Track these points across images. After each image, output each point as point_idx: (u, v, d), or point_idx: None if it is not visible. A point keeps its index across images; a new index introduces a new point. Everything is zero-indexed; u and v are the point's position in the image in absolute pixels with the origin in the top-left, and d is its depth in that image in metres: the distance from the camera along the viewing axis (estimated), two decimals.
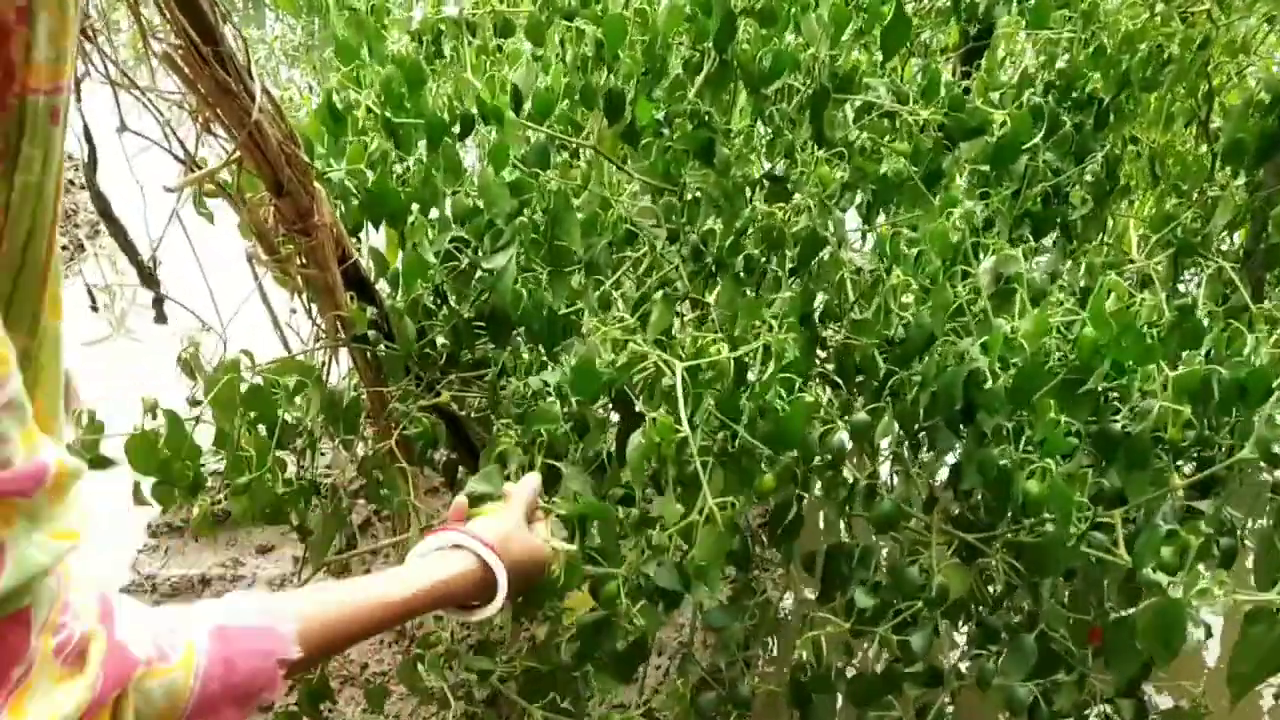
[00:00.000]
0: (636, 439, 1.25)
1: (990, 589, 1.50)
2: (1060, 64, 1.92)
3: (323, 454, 2.20)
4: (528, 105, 1.59)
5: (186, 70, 1.20)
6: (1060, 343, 1.31)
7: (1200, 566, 1.11)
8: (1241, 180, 1.84)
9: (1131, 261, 1.68)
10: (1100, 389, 1.31)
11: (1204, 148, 2.14)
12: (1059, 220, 1.83)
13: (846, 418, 1.40)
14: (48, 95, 0.54)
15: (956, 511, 1.48)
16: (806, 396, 1.29)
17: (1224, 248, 2.11)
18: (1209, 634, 1.41)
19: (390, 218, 1.53)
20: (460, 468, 1.98)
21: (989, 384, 1.25)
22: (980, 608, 1.47)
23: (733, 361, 1.31)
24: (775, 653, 2.15)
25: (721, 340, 1.31)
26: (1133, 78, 1.81)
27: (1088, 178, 1.81)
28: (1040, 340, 1.25)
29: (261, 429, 1.46)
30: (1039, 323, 1.24)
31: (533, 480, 1.20)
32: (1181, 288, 1.92)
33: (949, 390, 1.31)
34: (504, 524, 1.08)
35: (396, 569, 1.00)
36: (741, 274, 1.54)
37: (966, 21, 2.39)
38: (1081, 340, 1.25)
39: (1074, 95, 1.90)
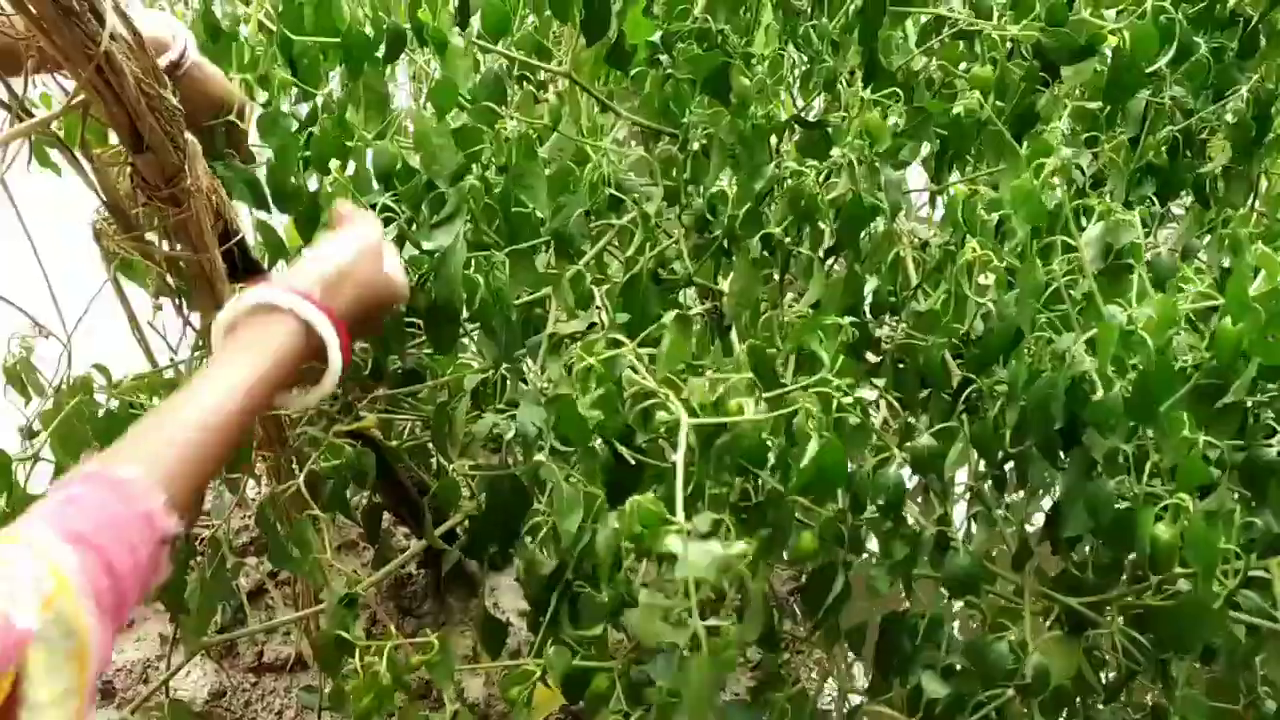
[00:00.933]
0: (609, 524, 1.26)
1: (1103, 673, 1.52)
2: None
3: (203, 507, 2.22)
4: (476, 22, 1.61)
5: None
6: (1194, 340, 1.34)
7: None
8: None
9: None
10: (1249, 401, 1.33)
11: None
12: (1192, 177, 1.86)
13: (907, 445, 1.42)
14: None
15: (1058, 570, 1.50)
16: (851, 419, 1.30)
17: None
18: None
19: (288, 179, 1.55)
20: (384, 514, 2.00)
21: (1099, 394, 1.27)
22: (1090, 699, 1.49)
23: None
24: None
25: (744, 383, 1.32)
26: None
27: (1229, 119, 1.82)
28: (1168, 335, 1.26)
29: None
30: (1165, 311, 1.26)
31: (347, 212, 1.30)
32: None
33: (1045, 403, 1.32)
34: (329, 255, 1.19)
35: (211, 369, 1.09)
36: (761, 254, 1.56)
37: None
38: (1221, 335, 1.27)
39: (1214, 12, 1.94)
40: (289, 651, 2.29)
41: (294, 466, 1.61)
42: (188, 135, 1.40)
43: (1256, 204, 2.01)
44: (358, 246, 1.21)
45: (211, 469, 1.02)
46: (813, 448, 1.23)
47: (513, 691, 1.42)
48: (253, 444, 1.75)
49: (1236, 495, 1.32)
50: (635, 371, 1.30)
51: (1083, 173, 1.63)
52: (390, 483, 1.85)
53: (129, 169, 1.44)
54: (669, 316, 1.30)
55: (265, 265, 1.58)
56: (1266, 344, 1.25)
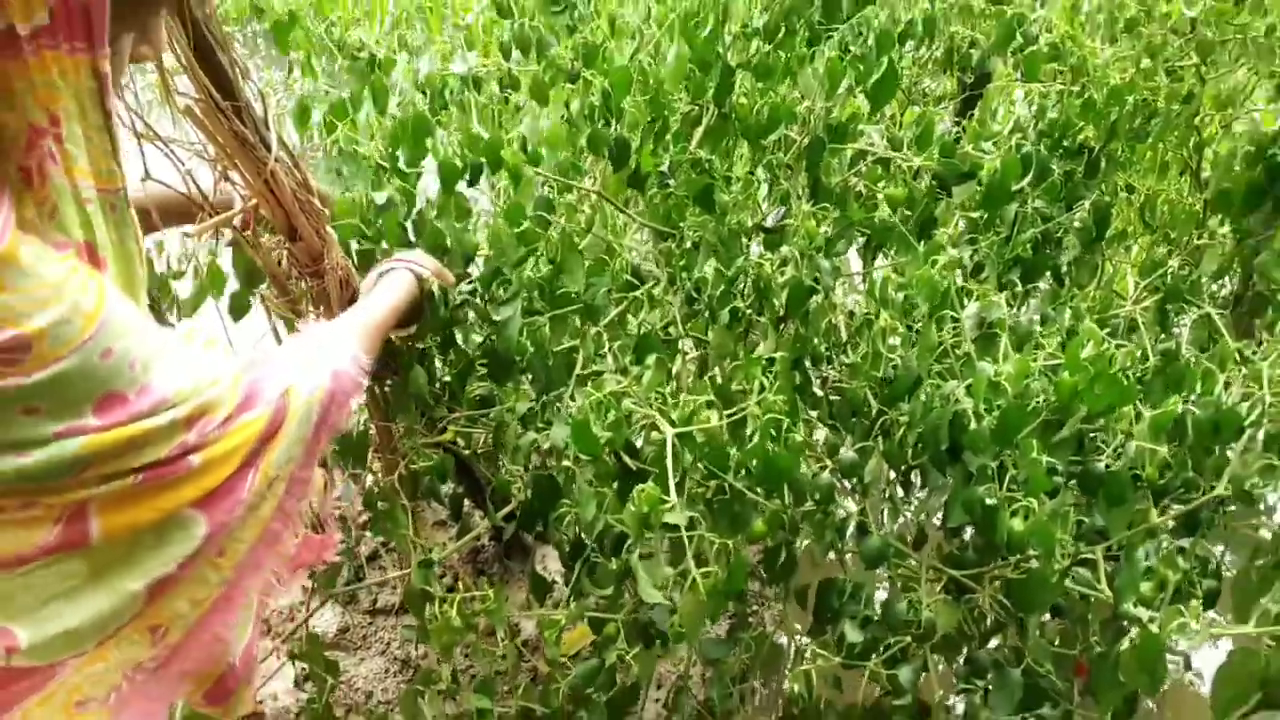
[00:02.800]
0: (628, 509, 1.28)
1: (980, 626, 1.52)
2: (1052, 114, 1.96)
3: (332, 486, 2.24)
4: (534, 154, 1.63)
5: (207, 123, 1.24)
6: (1044, 385, 1.34)
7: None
8: (1229, 228, 1.87)
9: (1119, 307, 1.70)
10: (1084, 431, 1.34)
11: (1194, 197, 2.18)
12: (1050, 266, 1.86)
13: (836, 457, 1.43)
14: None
15: (947, 550, 1.49)
16: (795, 436, 1.32)
17: (1218, 293, 2.14)
18: (1188, 665, 1.42)
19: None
20: (466, 501, 2.01)
21: (973, 425, 1.28)
22: (969, 645, 1.48)
23: (725, 422, 1.34)
24: (772, 687, 2.17)
25: (711, 402, 1.34)
26: (1119, 129, 1.84)
27: (1076, 224, 1.83)
28: (1022, 383, 1.27)
29: None
30: (1021, 367, 1.27)
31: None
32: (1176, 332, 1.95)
33: (935, 430, 1.33)
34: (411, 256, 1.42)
35: (364, 300, 1.33)
36: (732, 320, 1.57)
37: (962, 72, 2.44)
38: (1060, 384, 1.28)
39: (1065, 145, 1.94)
40: (395, 600, 2.30)
41: (399, 463, 1.63)
42: (328, 229, 1.43)
43: (1100, 286, 2.01)
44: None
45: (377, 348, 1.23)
46: (765, 450, 1.25)
47: (549, 631, 1.43)
48: (370, 448, 1.77)
49: (1074, 500, 1.32)
50: (632, 400, 1.32)
51: (966, 264, 1.63)
52: (467, 478, 1.87)
53: (286, 252, 1.47)
54: (650, 359, 1.31)
55: None
56: (1093, 393, 1.26)
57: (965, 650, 1.50)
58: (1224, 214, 1.88)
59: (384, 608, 2.28)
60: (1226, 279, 2.03)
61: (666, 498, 1.21)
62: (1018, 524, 1.21)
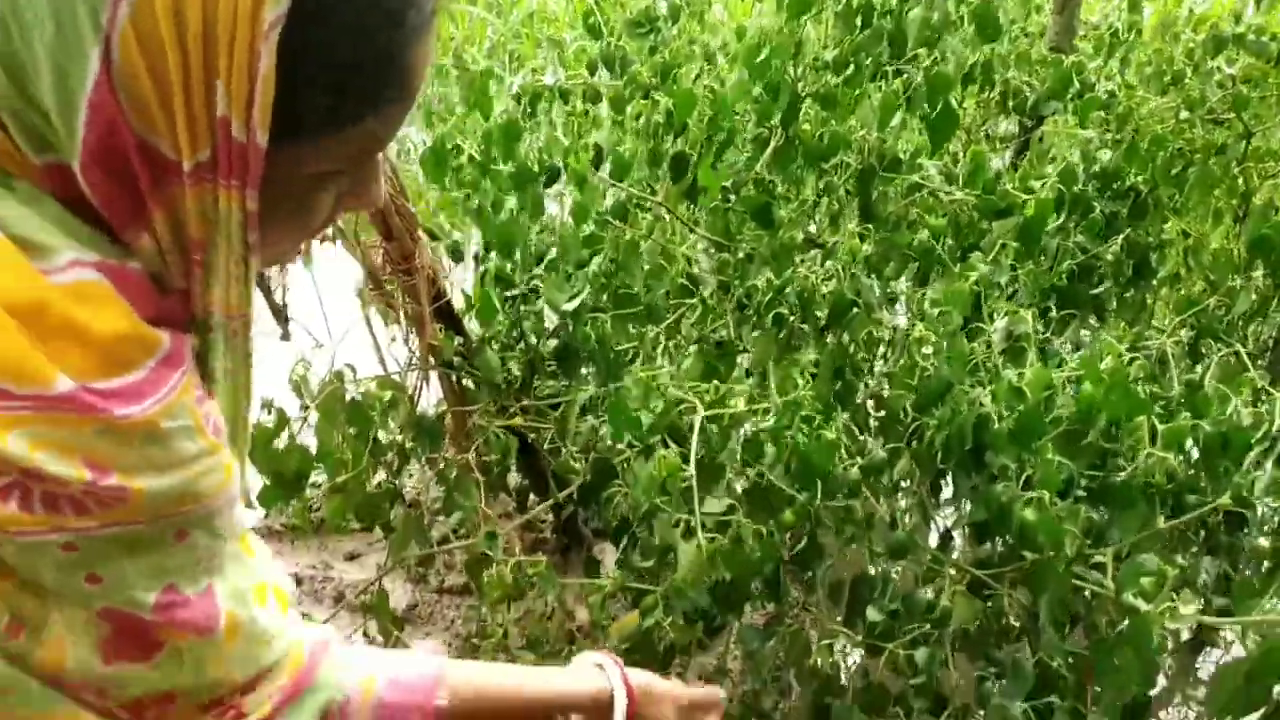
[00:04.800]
0: (647, 471, 1.38)
1: (999, 623, 1.57)
2: (1104, 158, 2.03)
3: (410, 474, 2.37)
4: (607, 165, 1.75)
5: None
6: (1066, 398, 1.41)
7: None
8: (1262, 273, 1.91)
9: (1151, 339, 1.76)
10: (1104, 448, 1.40)
11: (1238, 244, 2.22)
12: (1088, 299, 1.92)
13: (867, 456, 1.51)
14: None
15: (970, 552, 1.56)
16: (828, 434, 1.40)
17: (1258, 336, 2.18)
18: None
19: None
20: (531, 494, 2.13)
21: (994, 426, 1.35)
22: (990, 642, 1.54)
23: (757, 408, 1.44)
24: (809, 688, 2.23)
25: (744, 391, 1.43)
26: (1157, 176, 1.90)
27: (1110, 258, 1.89)
28: (1042, 390, 1.34)
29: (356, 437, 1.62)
30: (1040, 375, 1.35)
31: (710, 693, 1.07)
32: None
33: (960, 433, 1.40)
34: (657, 682, 1.01)
35: (543, 668, 1.05)
36: (776, 328, 1.66)
37: (1022, 115, 2.52)
38: (1081, 395, 1.35)
39: (1114, 187, 2.01)
40: (461, 581, 2.41)
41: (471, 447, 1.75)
42: (419, 231, 1.57)
43: (1139, 319, 2.06)
44: (671, 692, 1.02)
45: (493, 701, 0.90)
46: (799, 444, 1.34)
47: (592, 599, 1.52)
48: (445, 435, 1.89)
49: (1088, 507, 1.38)
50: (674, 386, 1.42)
51: (995, 282, 1.70)
52: (532, 471, 1.98)
53: (382, 251, 1.60)
54: (692, 347, 1.40)
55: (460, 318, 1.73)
56: (1110, 401, 1.33)
57: (985, 651, 1.56)
58: (1261, 259, 1.92)
59: (450, 587, 2.40)
60: (1265, 326, 2.06)
61: (685, 467, 1.30)
62: (1029, 514, 1.27)
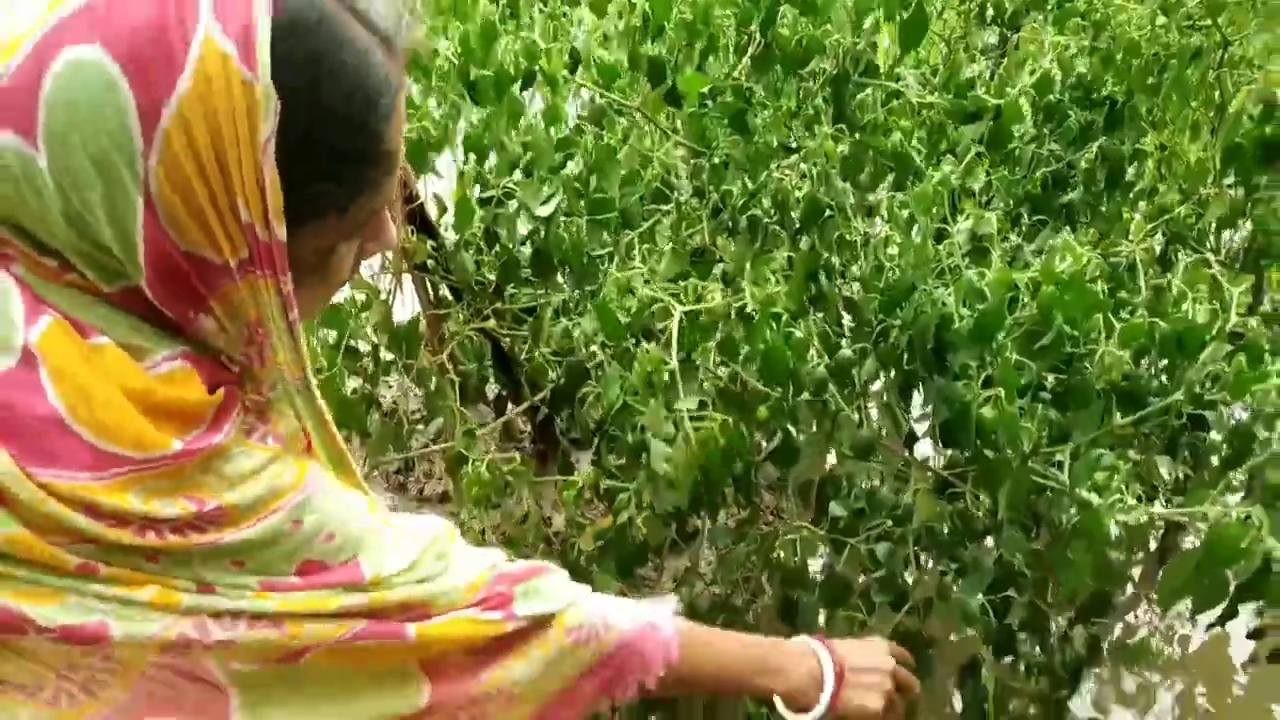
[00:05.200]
0: (635, 371, 1.40)
1: (961, 523, 1.61)
2: (1081, 67, 2.02)
3: (389, 385, 2.39)
4: (584, 68, 1.74)
5: None
6: (1028, 300, 1.43)
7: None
8: (1232, 181, 1.92)
9: (1122, 248, 1.77)
10: (1068, 352, 1.42)
11: (1213, 153, 2.22)
12: (1062, 206, 1.93)
13: (835, 355, 1.53)
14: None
15: (938, 455, 1.59)
16: (797, 332, 1.43)
17: (1229, 245, 2.19)
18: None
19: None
20: (509, 404, 2.15)
21: (954, 326, 1.37)
22: (957, 539, 1.58)
23: (732, 307, 1.46)
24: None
25: (721, 290, 1.45)
26: (1133, 84, 1.90)
27: (1084, 166, 1.89)
28: (1004, 290, 1.36)
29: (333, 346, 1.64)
30: (1003, 275, 1.37)
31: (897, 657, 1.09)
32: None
33: (923, 333, 1.43)
34: (862, 651, 1.05)
35: (759, 641, 1.04)
36: (751, 232, 1.67)
37: (1000, 24, 2.51)
38: (1040, 296, 1.37)
39: (1091, 96, 2.00)
40: (440, 490, 2.46)
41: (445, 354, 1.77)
42: None
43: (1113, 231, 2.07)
44: (875, 658, 1.06)
45: (715, 658, 0.97)
46: (767, 339, 1.36)
47: (566, 494, 1.56)
48: (421, 341, 1.91)
49: (1047, 406, 1.40)
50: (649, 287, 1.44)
51: (975, 194, 1.71)
52: (508, 372, 2.00)
53: None
54: (667, 247, 1.42)
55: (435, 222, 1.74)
56: (1064, 302, 1.35)
57: (949, 549, 1.60)
58: (1233, 168, 1.92)
59: (430, 496, 2.44)
60: (1236, 234, 2.08)
61: (668, 360, 1.33)
62: (987, 412, 1.30)
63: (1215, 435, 1.44)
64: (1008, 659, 1.57)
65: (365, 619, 0.74)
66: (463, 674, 0.81)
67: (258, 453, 0.69)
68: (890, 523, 1.51)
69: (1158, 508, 1.18)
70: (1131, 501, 1.16)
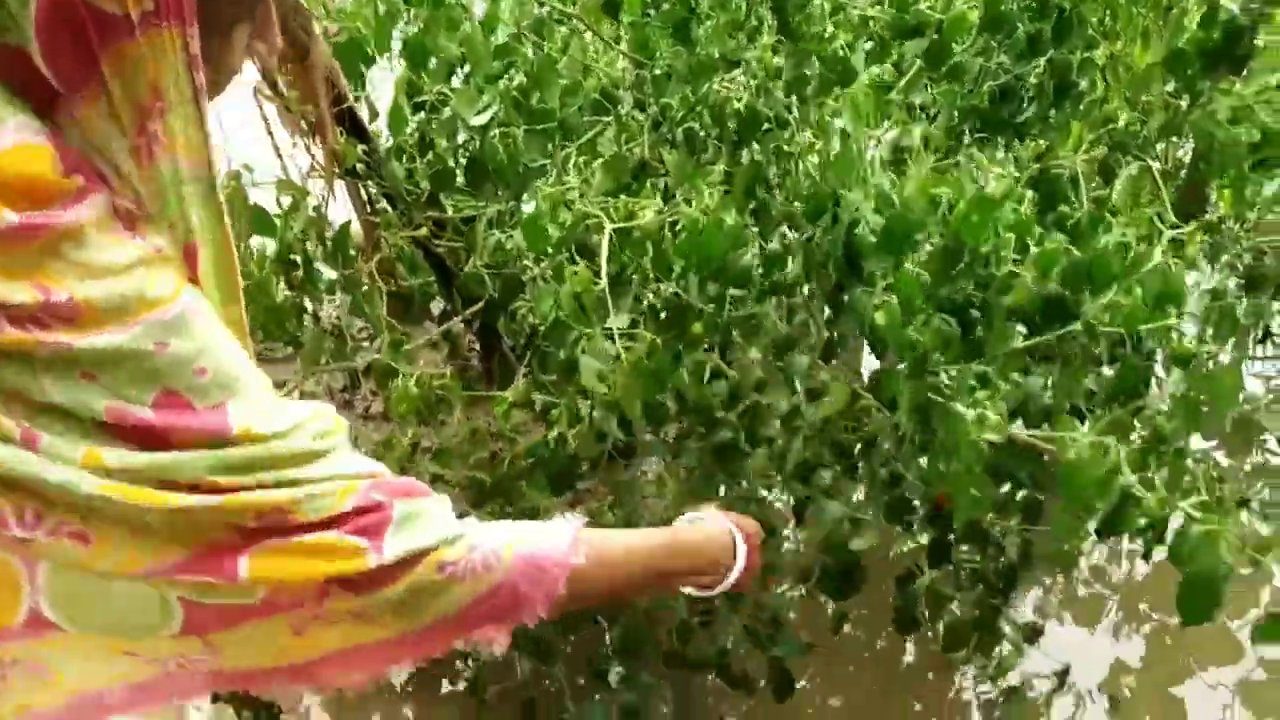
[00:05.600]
0: (564, 289, 1.39)
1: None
2: None
3: (335, 302, 2.39)
4: None
5: None
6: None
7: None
8: (1173, 87, 1.88)
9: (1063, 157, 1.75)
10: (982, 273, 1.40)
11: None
12: (1010, 121, 1.90)
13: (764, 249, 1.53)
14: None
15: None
16: (727, 219, 1.41)
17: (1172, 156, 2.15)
18: None
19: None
20: (454, 319, 2.15)
21: (863, 231, 1.37)
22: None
23: (666, 222, 1.45)
24: None
25: (653, 205, 1.44)
26: None
27: (1033, 80, 1.86)
28: (919, 200, 1.35)
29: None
30: (919, 184, 1.36)
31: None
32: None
33: (839, 236, 1.43)
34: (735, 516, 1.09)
35: (657, 531, 1.09)
36: (690, 144, 1.66)
37: None
38: (955, 213, 1.35)
39: (1037, 6, 1.96)
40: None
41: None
42: (312, 27, 1.54)
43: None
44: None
45: (622, 559, 0.94)
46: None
47: (498, 408, 1.56)
48: (358, 250, 1.89)
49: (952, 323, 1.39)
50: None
51: (916, 108, 1.69)
52: (447, 282, 1.98)
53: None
54: (598, 162, 1.41)
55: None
56: (973, 223, 1.34)
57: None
58: (1177, 75, 1.88)
59: (375, 414, 2.45)
60: (1179, 142, 2.05)
61: (599, 280, 1.32)
62: (880, 317, 1.29)
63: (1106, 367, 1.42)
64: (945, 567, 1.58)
65: (191, 545, 0.66)
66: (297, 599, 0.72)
67: (123, 248, 0.62)
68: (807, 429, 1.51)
69: (1015, 428, 1.19)
70: (994, 419, 1.17)
